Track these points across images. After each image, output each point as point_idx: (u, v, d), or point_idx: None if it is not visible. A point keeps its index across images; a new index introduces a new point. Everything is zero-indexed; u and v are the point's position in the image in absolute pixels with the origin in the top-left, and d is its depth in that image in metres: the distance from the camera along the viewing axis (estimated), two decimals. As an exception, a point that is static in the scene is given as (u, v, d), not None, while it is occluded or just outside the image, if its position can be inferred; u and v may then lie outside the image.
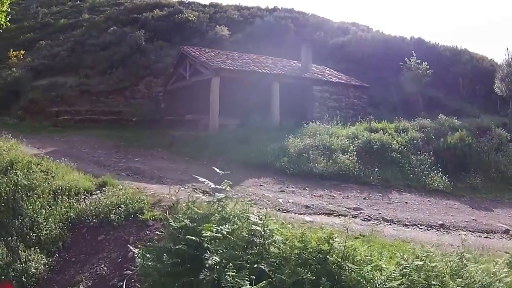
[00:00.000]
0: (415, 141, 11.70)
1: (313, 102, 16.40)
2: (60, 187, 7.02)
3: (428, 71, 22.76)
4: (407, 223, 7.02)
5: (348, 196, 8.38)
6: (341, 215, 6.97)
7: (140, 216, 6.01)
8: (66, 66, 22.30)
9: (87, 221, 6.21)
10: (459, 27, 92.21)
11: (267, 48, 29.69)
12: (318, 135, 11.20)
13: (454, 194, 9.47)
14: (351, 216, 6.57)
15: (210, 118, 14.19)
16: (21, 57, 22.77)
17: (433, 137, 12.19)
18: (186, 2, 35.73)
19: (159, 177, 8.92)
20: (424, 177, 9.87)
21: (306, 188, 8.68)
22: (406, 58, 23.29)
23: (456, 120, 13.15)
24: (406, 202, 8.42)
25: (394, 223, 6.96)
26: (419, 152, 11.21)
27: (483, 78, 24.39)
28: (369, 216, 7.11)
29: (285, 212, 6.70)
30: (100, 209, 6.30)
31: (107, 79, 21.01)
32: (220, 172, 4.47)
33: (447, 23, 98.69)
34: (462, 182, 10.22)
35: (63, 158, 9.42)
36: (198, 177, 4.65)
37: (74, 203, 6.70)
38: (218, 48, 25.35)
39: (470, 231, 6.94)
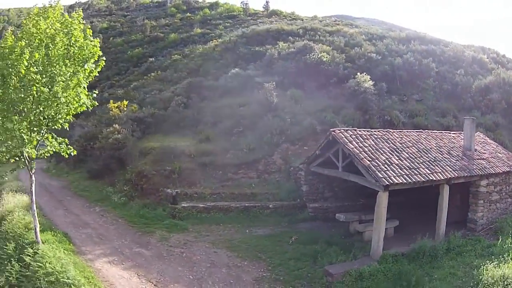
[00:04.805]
0: None
1: (478, 200, 13.60)
2: None
3: None
4: None
5: None
6: None
7: None
8: (181, 120, 18.21)
9: None
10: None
11: (409, 99, 23.78)
12: None
13: None
14: None
15: (372, 239, 10.46)
16: (124, 109, 19.06)
17: None
18: (309, 28, 30.74)
19: None
20: None
21: None
22: None
23: None
24: None
25: None
26: None
27: None
28: None
29: None
30: None
31: (233, 145, 16.46)
32: None
33: None
34: None
35: None
36: None
37: None
38: (362, 104, 19.98)
39: None
